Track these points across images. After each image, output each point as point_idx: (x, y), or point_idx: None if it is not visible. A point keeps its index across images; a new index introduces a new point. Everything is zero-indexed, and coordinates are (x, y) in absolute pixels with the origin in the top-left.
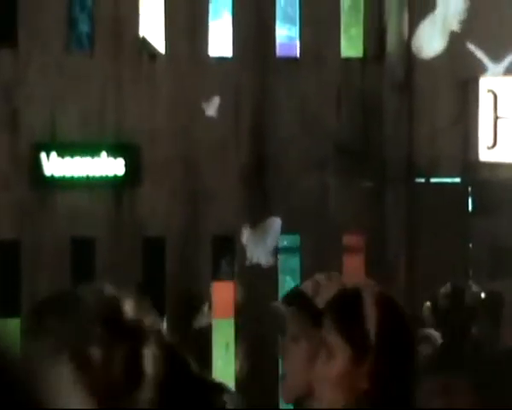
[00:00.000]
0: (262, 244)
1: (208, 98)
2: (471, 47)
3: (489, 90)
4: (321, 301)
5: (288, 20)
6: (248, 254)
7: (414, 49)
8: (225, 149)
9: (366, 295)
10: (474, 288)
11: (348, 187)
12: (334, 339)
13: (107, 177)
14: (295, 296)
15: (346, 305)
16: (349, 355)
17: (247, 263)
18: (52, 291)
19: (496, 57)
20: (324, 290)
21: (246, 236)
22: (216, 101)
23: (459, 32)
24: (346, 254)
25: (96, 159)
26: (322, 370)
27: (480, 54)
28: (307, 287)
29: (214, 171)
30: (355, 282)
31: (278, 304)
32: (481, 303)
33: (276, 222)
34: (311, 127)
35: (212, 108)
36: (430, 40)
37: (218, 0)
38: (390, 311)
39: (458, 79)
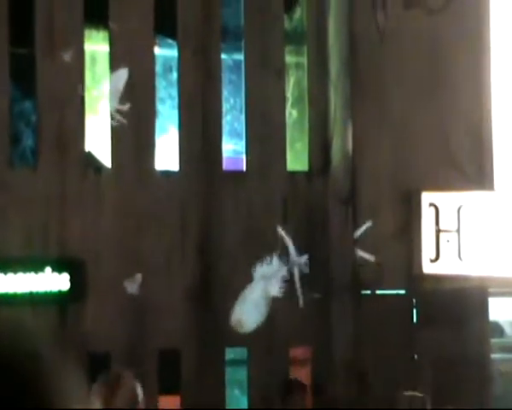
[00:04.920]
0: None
1: (131, 276)
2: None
3: (431, 204)
4: None
5: (235, 134)
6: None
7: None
8: (171, 263)
9: None
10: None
11: (294, 300)
12: None
13: (51, 292)
14: None
15: None
16: None
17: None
18: None
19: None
20: None
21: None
22: (138, 278)
23: (402, 148)
24: (292, 366)
25: (39, 274)
26: None
27: (288, 242)
28: None
29: (160, 285)
30: None
31: None
32: None
33: None
34: (257, 240)
35: (134, 286)
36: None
37: (164, 114)
38: None
39: (401, 193)
